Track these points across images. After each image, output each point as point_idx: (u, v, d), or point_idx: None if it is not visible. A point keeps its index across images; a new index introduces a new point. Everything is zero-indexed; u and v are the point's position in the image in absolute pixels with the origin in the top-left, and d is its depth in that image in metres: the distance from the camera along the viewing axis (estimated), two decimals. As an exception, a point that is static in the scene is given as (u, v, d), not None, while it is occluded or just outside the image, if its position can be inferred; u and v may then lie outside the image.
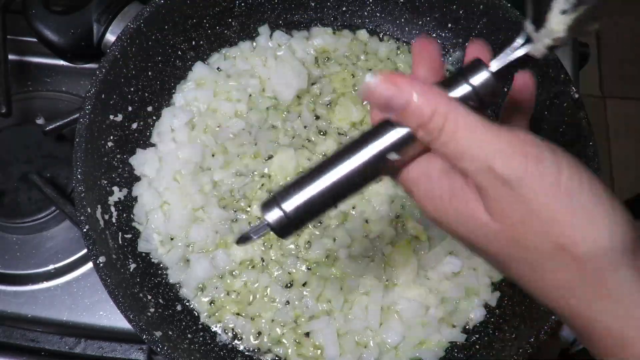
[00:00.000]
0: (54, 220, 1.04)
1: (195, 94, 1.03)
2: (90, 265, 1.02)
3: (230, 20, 1.07)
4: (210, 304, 0.94)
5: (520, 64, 0.53)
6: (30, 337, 0.95)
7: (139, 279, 0.91)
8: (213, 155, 1.00)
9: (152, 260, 0.95)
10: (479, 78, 0.52)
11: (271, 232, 0.56)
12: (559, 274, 0.47)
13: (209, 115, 1.02)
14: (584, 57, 1.22)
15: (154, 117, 1.02)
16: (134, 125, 1.00)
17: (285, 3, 1.09)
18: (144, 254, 0.95)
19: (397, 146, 0.53)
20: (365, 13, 1.12)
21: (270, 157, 1.00)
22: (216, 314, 0.93)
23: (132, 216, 0.96)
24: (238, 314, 0.93)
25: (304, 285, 0.94)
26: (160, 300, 0.92)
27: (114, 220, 0.93)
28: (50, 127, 1.02)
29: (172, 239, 0.96)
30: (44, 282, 1.02)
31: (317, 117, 1.04)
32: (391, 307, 0.93)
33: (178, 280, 0.95)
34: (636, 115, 2.38)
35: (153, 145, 1.01)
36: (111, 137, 0.95)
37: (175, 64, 1.04)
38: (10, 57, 1.08)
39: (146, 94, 1.01)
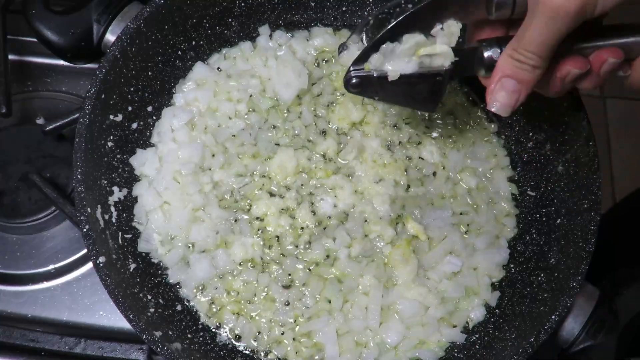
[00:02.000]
0: (54, 220, 1.05)
1: (196, 94, 1.03)
2: (90, 265, 1.03)
3: (230, 20, 1.07)
4: (210, 304, 0.94)
5: None
6: (30, 337, 0.95)
7: (139, 279, 0.91)
8: (213, 156, 1.00)
9: (152, 260, 0.95)
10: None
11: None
12: None
13: (209, 115, 1.02)
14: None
15: (154, 117, 1.02)
16: (134, 125, 1.00)
17: (285, 3, 1.09)
18: (144, 254, 0.95)
19: None
20: (365, 13, 1.12)
21: (270, 157, 1.00)
22: (216, 314, 0.93)
23: (132, 216, 0.96)
24: (238, 314, 0.93)
25: (303, 285, 0.94)
26: (160, 300, 0.92)
27: (114, 220, 0.93)
28: (50, 127, 1.02)
29: (172, 239, 0.96)
30: (44, 282, 1.02)
31: (317, 117, 1.04)
32: (391, 307, 0.93)
33: (178, 280, 0.95)
34: (636, 115, 2.38)
35: (153, 145, 1.01)
36: (111, 137, 0.95)
37: (175, 64, 1.04)
38: (10, 57, 1.08)
39: (146, 94, 1.01)
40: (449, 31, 0.75)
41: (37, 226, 1.04)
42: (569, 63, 0.72)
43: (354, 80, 0.78)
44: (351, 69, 0.78)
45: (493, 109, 0.75)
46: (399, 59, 0.75)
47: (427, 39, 0.75)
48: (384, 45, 0.75)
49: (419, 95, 0.79)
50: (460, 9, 0.74)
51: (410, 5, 0.76)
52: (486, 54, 0.74)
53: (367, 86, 0.78)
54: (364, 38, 0.81)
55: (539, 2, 0.64)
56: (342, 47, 0.83)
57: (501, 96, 0.73)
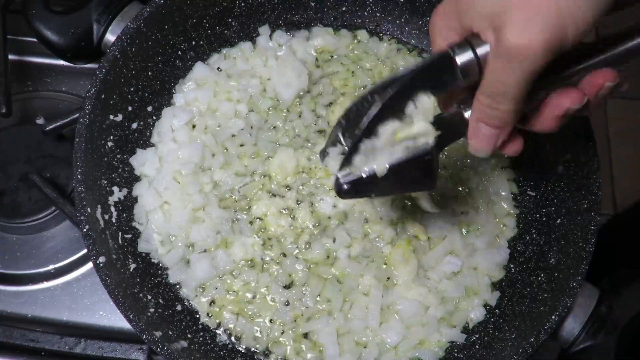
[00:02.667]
0: (54, 220, 1.05)
1: (196, 94, 1.03)
2: (90, 265, 1.03)
3: (230, 20, 1.07)
4: (210, 304, 0.94)
5: None
6: (30, 337, 0.95)
7: (139, 279, 0.91)
8: (213, 155, 1.00)
9: (152, 260, 0.95)
10: None
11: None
12: None
13: (209, 115, 1.02)
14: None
15: (154, 117, 1.03)
16: (134, 125, 1.00)
17: (285, 3, 1.09)
18: (144, 254, 0.95)
19: None
20: (365, 13, 1.12)
21: (270, 157, 1.00)
22: (216, 314, 0.93)
23: (132, 216, 0.97)
24: (238, 314, 0.93)
25: (303, 285, 0.94)
26: (160, 300, 0.92)
27: (114, 220, 0.93)
28: (50, 127, 1.02)
29: (172, 239, 0.96)
30: (44, 282, 1.02)
31: (317, 117, 1.04)
32: (391, 307, 0.93)
33: (178, 280, 0.95)
34: (636, 115, 2.38)
35: (153, 145, 1.01)
36: (111, 137, 0.95)
37: (175, 64, 1.04)
38: (10, 57, 1.08)
39: (146, 94, 1.01)
40: (422, 108, 0.70)
41: (37, 226, 1.04)
42: (563, 99, 0.65)
43: (345, 187, 0.74)
44: (339, 176, 0.74)
45: (472, 152, 0.73)
46: (382, 153, 0.72)
47: (403, 121, 0.71)
48: (362, 145, 0.71)
49: (413, 179, 0.76)
50: (429, 86, 0.70)
51: (377, 97, 0.71)
52: (467, 115, 0.71)
53: (360, 189, 0.75)
54: (341, 138, 0.77)
55: (498, 42, 0.58)
56: (323, 154, 0.78)
57: (477, 141, 0.70)
